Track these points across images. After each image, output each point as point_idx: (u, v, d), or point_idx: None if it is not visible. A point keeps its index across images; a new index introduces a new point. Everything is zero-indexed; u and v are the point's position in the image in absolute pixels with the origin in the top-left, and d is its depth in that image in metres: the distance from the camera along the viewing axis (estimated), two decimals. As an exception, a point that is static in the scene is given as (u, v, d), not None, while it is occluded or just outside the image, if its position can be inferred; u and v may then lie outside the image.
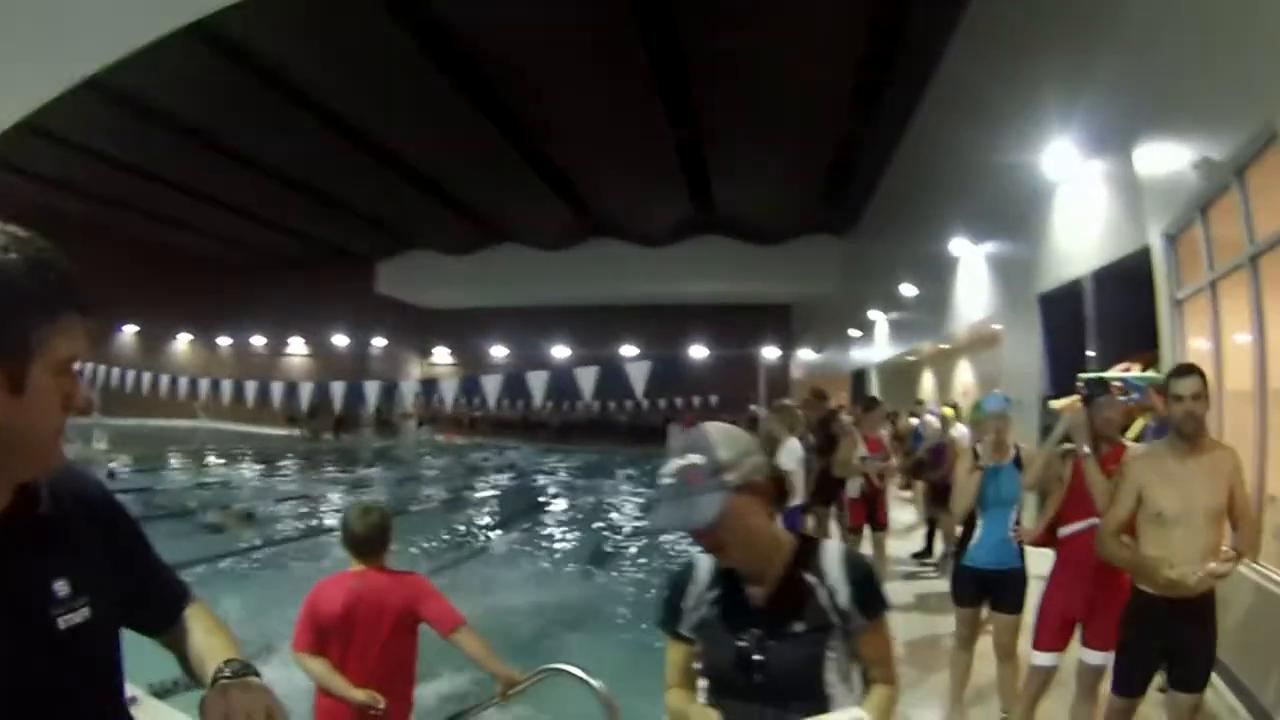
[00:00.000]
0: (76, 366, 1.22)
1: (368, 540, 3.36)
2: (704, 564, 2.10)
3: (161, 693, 4.03)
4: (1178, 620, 3.51)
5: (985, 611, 4.89)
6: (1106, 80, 8.18)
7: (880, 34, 15.73)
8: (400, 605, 3.29)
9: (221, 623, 1.56)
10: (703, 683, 2.12)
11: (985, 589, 4.72)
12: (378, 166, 24.61)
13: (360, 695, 3.09)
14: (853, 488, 8.24)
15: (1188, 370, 3.62)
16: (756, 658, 1.93)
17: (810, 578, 1.98)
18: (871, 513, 8.17)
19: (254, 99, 19.63)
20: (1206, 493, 3.52)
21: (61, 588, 1.23)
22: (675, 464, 1.90)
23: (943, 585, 8.39)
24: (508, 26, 16.45)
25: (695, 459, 1.88)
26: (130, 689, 1.44)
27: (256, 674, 1.37)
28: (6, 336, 1.12)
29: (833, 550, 2.05)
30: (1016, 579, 4.59)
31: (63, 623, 1.22)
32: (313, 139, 22.29)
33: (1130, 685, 3.71)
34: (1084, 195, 9.08)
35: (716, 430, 1.96)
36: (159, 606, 1.52)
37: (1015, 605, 4.53)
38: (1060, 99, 9.41)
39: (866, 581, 2.01)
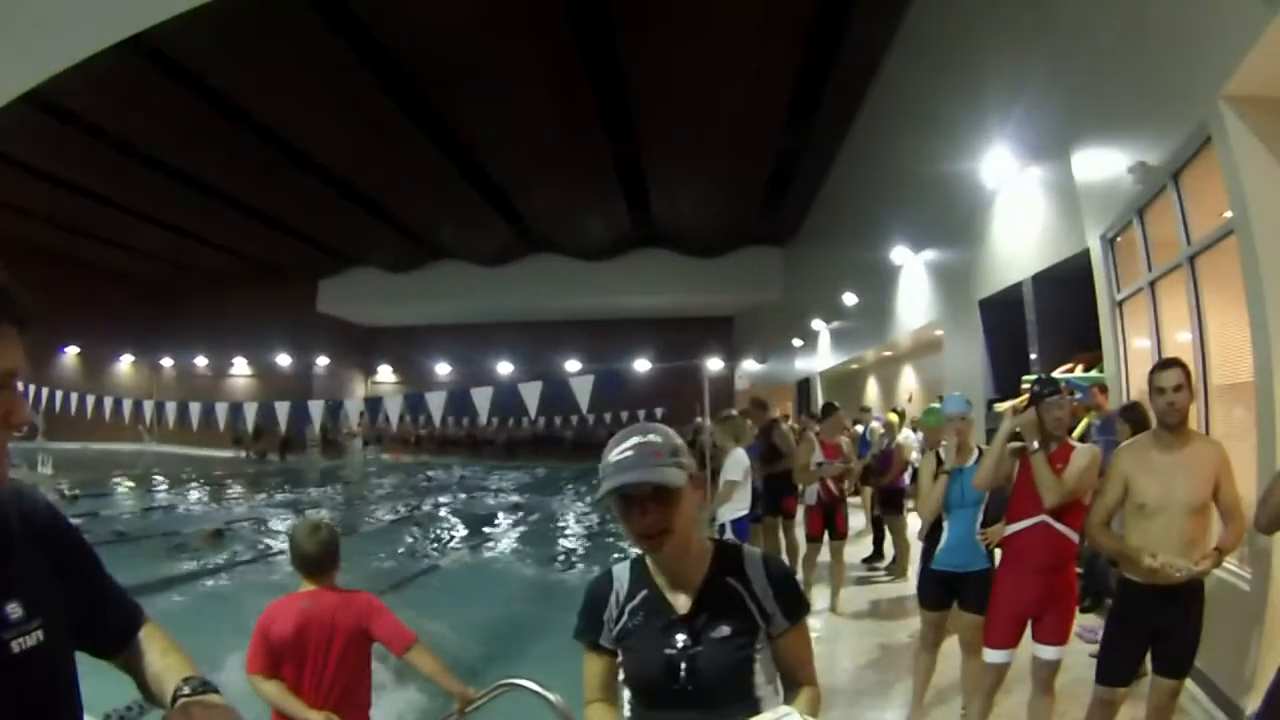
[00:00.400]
0: (19, 384, 1.18)
1: (317, 559, 3.31)
2: (623, 574, 2.07)
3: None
4: (1164, 605, 3.56)
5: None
6: (1043, 87, 8.37)
7: (819, 42, 15.91)
8: (352, 624, 3.24)
9: (175, 642, 1.51)
10: (627, 694, 2.09)
11: (952, 591, 4.73)
12: (317, 184, 24.27)
13: (317, 717, 3.05)
14: (809, 495, 8.19)
15: (1169, 363, 3.68)
16: (684, 664, 1.91)
17: (732, 582, 1.97)
18: (830, 520, 8.05)
19: (193, 116, 19.31)
20: (1187, 485, 3.58)
21: (13, 610, 1.19)
22: (634, 439, 1.89)
23: (896, 589, 8.51)
24: (445, 41, 16.30)
25: (654, 438, 1.89)
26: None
27: (216, 690, 1.34)
28: None
29: (752, 554, 2.04)
30: (984, 579, 4.54)
31: (15, 646, 1.18)
32: (251, 156, 21.92)
33: (1116, 674, 3.75)
34: (1023, 201, 9.27)
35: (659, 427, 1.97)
36: (113, 628, 1.48)
37: (983, 605, 4.46)
38: (998, 107, 9.61)
39: (787, 584, 2.02)
